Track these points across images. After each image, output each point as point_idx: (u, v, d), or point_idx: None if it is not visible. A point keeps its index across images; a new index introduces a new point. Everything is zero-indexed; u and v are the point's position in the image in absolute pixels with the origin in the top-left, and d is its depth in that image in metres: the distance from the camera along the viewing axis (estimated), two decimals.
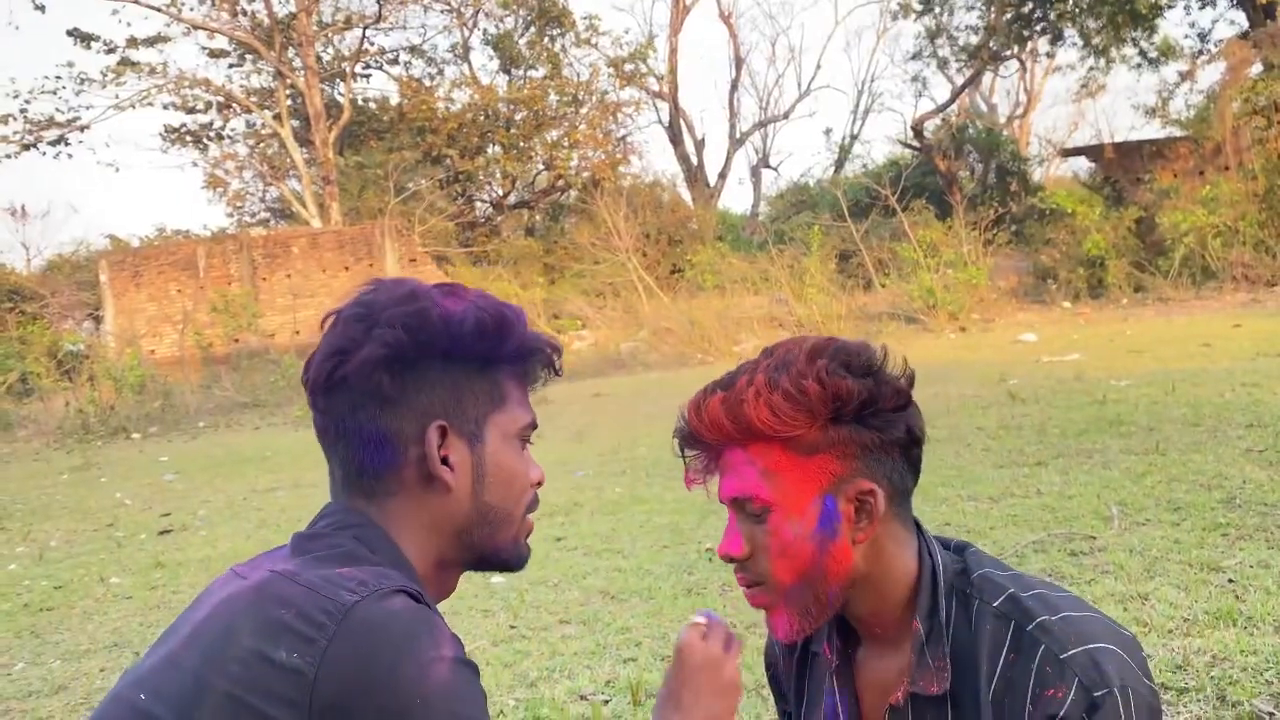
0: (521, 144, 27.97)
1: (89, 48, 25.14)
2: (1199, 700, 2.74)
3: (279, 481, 8.97)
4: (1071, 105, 38.51)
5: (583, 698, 3.34)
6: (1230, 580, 3.60)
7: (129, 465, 11.52)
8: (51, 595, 5.64)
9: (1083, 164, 23.35)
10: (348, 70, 27.92)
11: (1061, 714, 1.06)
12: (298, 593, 0.96)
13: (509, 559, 1.20)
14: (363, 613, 0.93)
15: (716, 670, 1.22)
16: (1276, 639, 3.04)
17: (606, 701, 3.29)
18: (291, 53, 26.48)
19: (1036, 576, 1.21)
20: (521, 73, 29.68)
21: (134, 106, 25.57)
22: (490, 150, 28.39)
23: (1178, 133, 19.97)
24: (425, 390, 1.11)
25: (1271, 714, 2.63)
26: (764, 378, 1.15)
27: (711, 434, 1.17)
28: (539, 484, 1.23)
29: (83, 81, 24.82)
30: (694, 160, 32.03)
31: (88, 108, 25.48)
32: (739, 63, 34.18)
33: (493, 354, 1.15)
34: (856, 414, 1.15)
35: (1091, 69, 24.01)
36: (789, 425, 1.13)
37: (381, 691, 0.91)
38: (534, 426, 1.22)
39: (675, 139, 31.74)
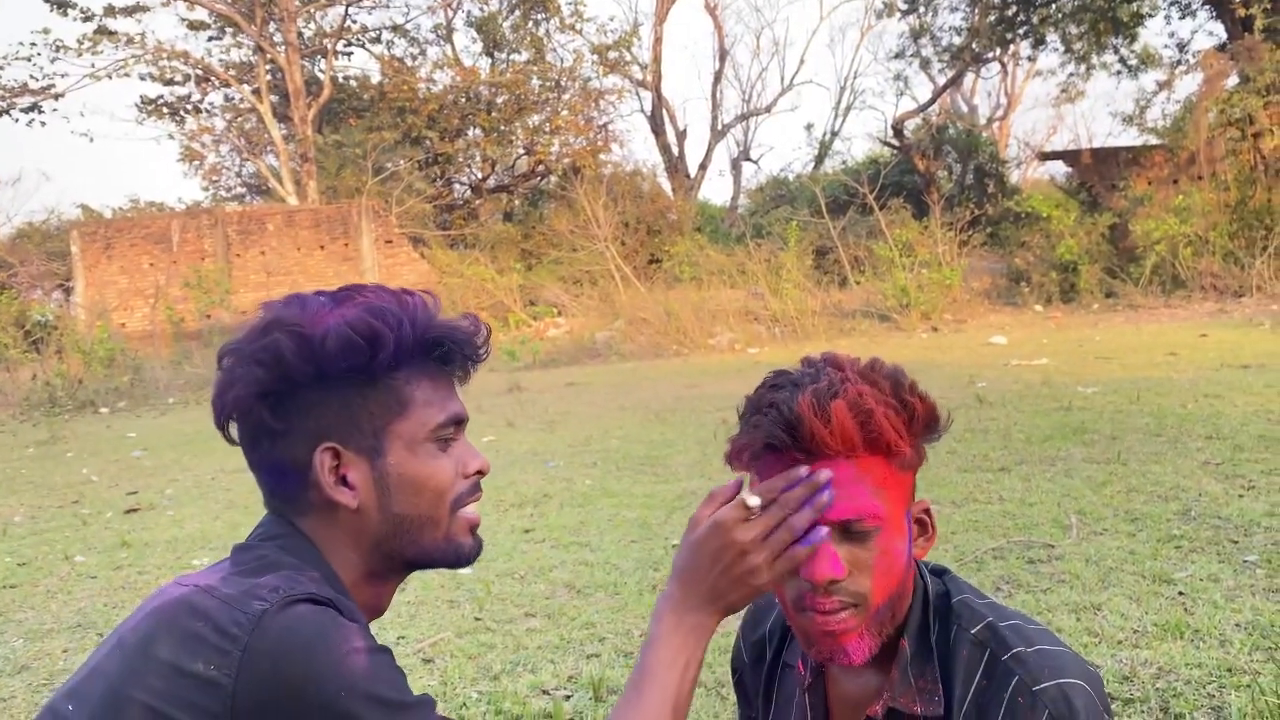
0: (502, 128, 27.83)
1: (66, 15, 24.78)
2: (1142, 712, 2.82)
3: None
4: (1051, 109, 38.91)
5: (545, 692, 3.38)
6: (1181, 593, 3.69)
7: (96, 440, 11.43)
8: (15, 572, 5.61)
9: (1060, 168, 23.60)
10: (329, 47, 27.67)
11: None
12: (213, 605, 0.99)
13: (443, 559, 1.18)
14: (270, 621, 0.96)
15: (740, 554, 1.08)
16: (1221, 652, 3.13)
17: (568, 697, 3.34)
18: (272, 27, 26.22)
19: (1011, 608, 1.24)
20: (504, 56, 29.53)
21: (110, 76, 25.24)
22: (470, 133, 28.24)
23: (1154, 141, 20.18)
24: (313, 415, 1.10)
25: None
26: (870, 389, 1.12)
27: (838, 444, 1.09)
28: (480, 472, 1.19)
29: (58, 49, 24.47)
30: (675, 151, 32.01)
31: (63, 75, 25.14)
32: (723, 55, 34.20)
33: (369, 367, 1.10)
34: (932, 436, 1.19)
35: (1072, 74, 24.24)
36: (905, 440, 1.13)
37: (302, 692, 0.93)
38: (455, 422, 1.17)
39: (657, 129, 31.72)
